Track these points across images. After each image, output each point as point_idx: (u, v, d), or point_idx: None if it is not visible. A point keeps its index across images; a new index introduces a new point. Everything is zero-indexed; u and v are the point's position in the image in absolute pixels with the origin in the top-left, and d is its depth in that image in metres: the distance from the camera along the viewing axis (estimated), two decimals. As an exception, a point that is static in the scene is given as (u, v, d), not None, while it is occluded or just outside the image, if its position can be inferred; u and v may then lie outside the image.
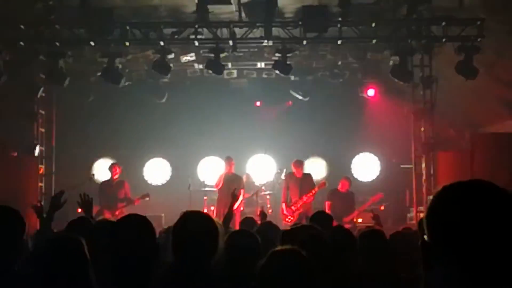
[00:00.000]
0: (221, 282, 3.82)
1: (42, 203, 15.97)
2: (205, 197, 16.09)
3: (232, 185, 14.90)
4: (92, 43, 14.82)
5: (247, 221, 8.54)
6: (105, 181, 15.46)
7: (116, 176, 15.30)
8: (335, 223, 8.22)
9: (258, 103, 18.96)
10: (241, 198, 14.64)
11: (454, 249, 1.61)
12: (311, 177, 15.30)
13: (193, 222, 3.87)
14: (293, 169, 15.16)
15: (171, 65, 15.26)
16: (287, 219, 14.61)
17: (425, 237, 1.70)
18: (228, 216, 8.18)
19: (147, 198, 14.79)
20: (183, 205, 13.13)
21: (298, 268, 3.26)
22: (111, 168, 15.52)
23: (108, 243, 3.81)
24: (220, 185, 15.20)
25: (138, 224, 3.81)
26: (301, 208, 14.70)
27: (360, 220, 14.98)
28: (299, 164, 15.20)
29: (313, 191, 14.81)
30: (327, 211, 14.56)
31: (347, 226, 14.28)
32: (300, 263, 3.28)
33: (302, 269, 3.26)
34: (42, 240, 5.81)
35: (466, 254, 1.59)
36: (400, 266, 5.72)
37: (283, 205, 15.02)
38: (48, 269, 3.86)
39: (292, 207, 14.81)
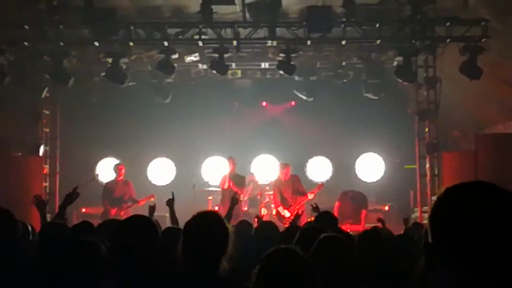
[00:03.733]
0: (229, 282, 3.83)
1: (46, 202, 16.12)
2: (209, 197, 16.09)
3: (233, 183, 14.92)
4: (96, 43, 14.84)
5: (243, 224, 8.40)
6: (110, 181, 15.43)
7: (121, 177, 15.28)
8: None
9: (264, 104, 18.95)
10: (243, 198, 14.64)
11: (456, 250, 1.62)
12: (298, 178, 15.25)
13: (202, 222, 3.88)
14: (279, 173, 15.17)
15: (175, 65, 15.28)
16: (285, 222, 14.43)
17: (429, 238, 1.70)
18: (227, 218, 8.11)
19: (152, 199, 14.74)
20: (188, 205, 13.12)
21: (296, 268, 3.24)
22: (116, 168, 15.49)
23: (111, 244, 3.82)
24: (226, 185, 15.20)
25: (141, 225, 3.82)
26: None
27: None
28: (283, 167, 15.19)
29: (311, 194, 14.69)
30: (335, 212, 14.56)
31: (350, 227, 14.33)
32: (297, 263, 3.26)
33: (299, 269, 3.24)
34: (49, 233, 5.81)
35: (468, 255, 1.60)
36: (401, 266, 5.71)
37: (280, 209, 14.91)
38: (63, 272, 3.86)
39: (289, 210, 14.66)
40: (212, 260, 3.74)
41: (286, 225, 14.07)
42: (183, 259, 3.78)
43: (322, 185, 15.05)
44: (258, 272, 3.27)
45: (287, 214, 14.61)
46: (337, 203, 15.01)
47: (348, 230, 14.18)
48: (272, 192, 16.34)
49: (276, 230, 7.12)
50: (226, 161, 15.74)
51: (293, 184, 14.89)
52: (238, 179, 15.15)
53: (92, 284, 3.79)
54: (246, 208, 15.32)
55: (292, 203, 14.70)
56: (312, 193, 14.68)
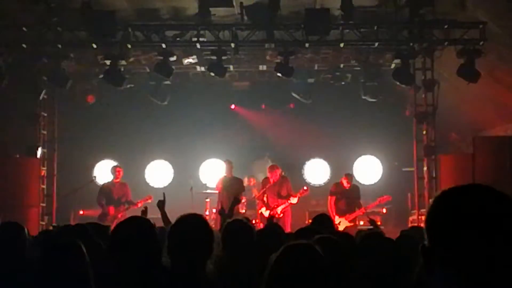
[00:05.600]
0: (215, 284, 3.84)
1: (44, 204, 16.14)
2: (207, 200, 16.06)
3: (231, 188, 14.89)
4: (94, 45, 14.84)
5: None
6: (107, 183, 15.42)
7: (118, 179, 15.28)
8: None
9: (263, 106, 18.94)
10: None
11: (453, 253, 1.62)
12: (287, 179, 15.20)
13: (187, 225, 3.90)
14: (268, 175, 15.11)
15: (173, 67, 15.28)
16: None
17: (426, 242, 1.70)
18: (228, 217, 8.13)
19: (150, 201, 14.69)
20: (185, 207, 13.08)
21: (312, 263, 3.23)
22: (113, 170, 15.48)
23: (109, 245, 3.82)
24: (220, 188, 15.18)
25: (140, 226, 3.83)
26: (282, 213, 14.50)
27: (361, 223, 14.92)
28: (272, 169, 15.14)
29: (295, 197, 14.63)
30: (330, 206, 14.52)
31: (349, 224, 14.33)
32: (315, 258, 3.26)
33: (316, 265, 3.23)
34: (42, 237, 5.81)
35: (465, 258, 1.60)
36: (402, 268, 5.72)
37: (263, 209, 14.84)
38: (48, 273, 3.86)
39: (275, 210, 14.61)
40: (198, 263, 3.75)
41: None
42: (168, 262, 3.79)
43: (306, 189, 14.95)
44: (274, 263, 3.26)
45: (266, 214, 14.52)
46: (330, 198, 14.83)
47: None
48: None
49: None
50: (223, 164, 15.71)
51: (280, 186, 14.83)
52: (234, 182, 15.09)
53: (80, 282, 3.79)
54: (244, 210, 15.29)
55: (274, 205, 14.61)
56: (294, 197, 14.61)
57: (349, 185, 14.91)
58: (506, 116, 15.20)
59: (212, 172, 18.22)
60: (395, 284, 5.16)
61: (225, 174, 15.32)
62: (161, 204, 8.47)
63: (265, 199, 14.85)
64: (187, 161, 18.38)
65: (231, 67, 16.68)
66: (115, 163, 16.92)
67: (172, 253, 3.78)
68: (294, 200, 14.59)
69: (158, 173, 19.17)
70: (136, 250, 3.70)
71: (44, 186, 16.55)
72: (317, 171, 19.06)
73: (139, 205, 14.59)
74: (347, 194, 14.79)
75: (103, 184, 15.42)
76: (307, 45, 14.80)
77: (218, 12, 14.23)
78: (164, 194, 8.69)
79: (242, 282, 4.22)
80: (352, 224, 14.41)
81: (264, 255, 3.52)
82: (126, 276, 3.67)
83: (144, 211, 8.79)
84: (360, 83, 17.25)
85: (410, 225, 15.27)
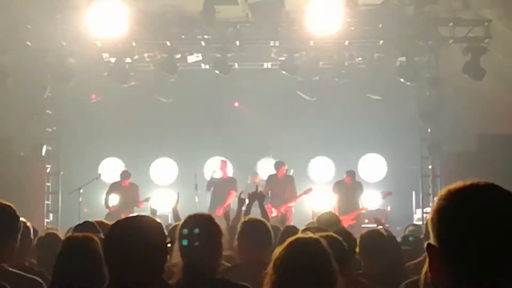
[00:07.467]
0: (228, 282, 3.84)
1: (49, 202, 16.16)
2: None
3: (222, 187, 14.91)
4: (98, 43, 14.84)
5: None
6: (115, 183, 15.32)
7: (126, 184, 15.26)
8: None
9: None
10: (231, 200, 14.65)
11: (458, 251, 1.62)
12: (292, 179, 15.22)
13: (197, 225, 3.90)
14: (275, 171, 15.12)
15: (178, 65, 15.28)
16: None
17: (430, 240, 1.70)
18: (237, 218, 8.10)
19: (149, 202, 14.65)
20: (190, 204, 13.13)
21: (318, 257, 3.23)
22: (123, 175, 15.39)
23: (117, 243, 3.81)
24: (212, 188, 15.24)
25: (147, 225, 3.82)
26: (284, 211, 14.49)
27: (366, 221, 14.89)
28: (278, 165, 15.15)
29: (297, 199, 14.66)
30: (336, 204, 14.48)
31: (351, 222, 14.30)
32: (320, 252, 3.25)
33: (321, 258, 3.23)
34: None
35: (470, 256, 1.60)
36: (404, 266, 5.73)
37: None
38: (64, 267, 3.88)
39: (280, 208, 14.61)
40: (210, 262, 3.75)
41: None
42: (181, 263, 3.79)
43: (310, 189, 14.93)
44: (278, 256, 3.25)
45: (274, 213, 14.45)
46: (336, 196, 14.75)
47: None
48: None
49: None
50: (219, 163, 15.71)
51: (285, 185, 14.83)
52: (226, 182, 15.07)
53: (95, 277, 3.80)
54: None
55: (281, 204, 14.58)
56: (297, 198, 14.62)
57: (352, 183, 14.85)
58: (511, 113, 15.17)
59: (217, 170, 18.20)
60: (398, 282, 5.16)
61: (220, 174, 15.33)
62: (175, 205, 8.58)
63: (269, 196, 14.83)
64: (191, 159, 18.34)
65: (236, 65, 16.66)
66: (119, 160, 16.91)
67: (183, 255, 3.79)
68: (294, 203, 14.60)
69: (163, 171, 19.16)
70: (144, 248, 3.69)
71: (49, 184, 16.57)
72: (321, 169, 19.04)
73: (140, 205, 14.62)
74: (350, 192, 14.72)
75: (111, 186, 15.37)
76: (312, 42, 14.79)
77: (223, 9, 14.24)
78: (178, 194, 8.78)
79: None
80: (355, 222, 14.39)
81: None
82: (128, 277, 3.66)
83: (154, 211, 8.82)
84: (365, 81, 17.22)
85: (414, 222, 15.25)
